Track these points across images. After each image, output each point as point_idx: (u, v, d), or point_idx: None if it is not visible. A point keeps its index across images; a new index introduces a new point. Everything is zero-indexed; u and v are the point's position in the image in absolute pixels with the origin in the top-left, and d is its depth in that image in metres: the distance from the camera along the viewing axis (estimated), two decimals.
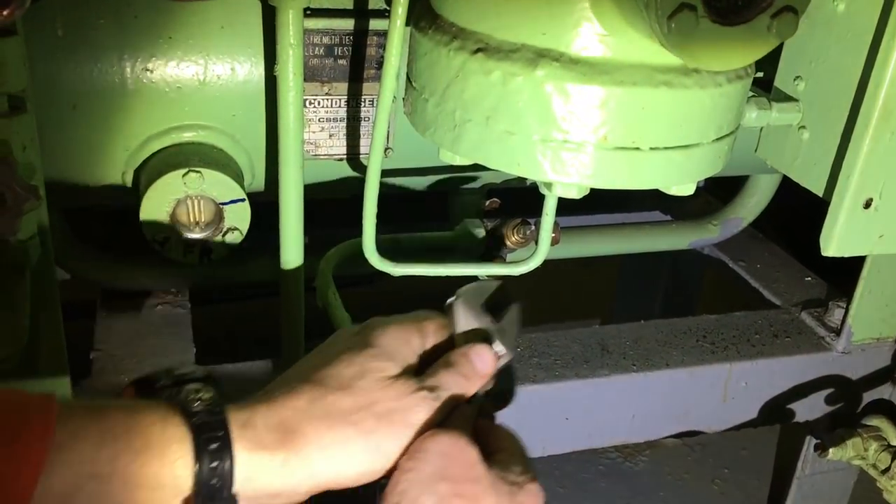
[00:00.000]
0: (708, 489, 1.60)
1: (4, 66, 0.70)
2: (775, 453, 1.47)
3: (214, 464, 0.52)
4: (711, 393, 1.10)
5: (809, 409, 1.16)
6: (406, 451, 0.58)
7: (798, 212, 1.13)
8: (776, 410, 1.14)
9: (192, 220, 0.87)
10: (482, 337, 0.64)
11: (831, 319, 1.17)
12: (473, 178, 1.10)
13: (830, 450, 1.09)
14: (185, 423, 0.53)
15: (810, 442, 1.20)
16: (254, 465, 0.54)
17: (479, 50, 0.63)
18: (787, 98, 0.88)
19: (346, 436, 0.56)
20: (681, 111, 0.62)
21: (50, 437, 0.49)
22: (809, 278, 1.30)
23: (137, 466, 0.51)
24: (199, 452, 0.52)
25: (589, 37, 0.60)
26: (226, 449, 0.53)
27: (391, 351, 0.61)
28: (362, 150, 0.94)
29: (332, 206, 1.13)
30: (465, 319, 0.67)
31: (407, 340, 0.63)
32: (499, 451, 0.62)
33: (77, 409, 0.52)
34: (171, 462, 0.52)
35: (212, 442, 0.52)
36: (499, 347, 0.64)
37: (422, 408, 0.59)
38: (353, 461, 0.57)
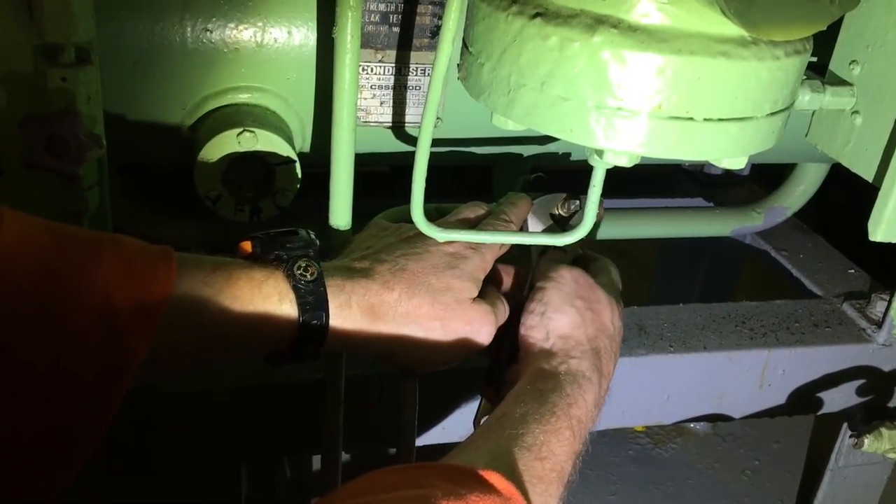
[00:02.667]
0: (738, 480, 1.60)
1: (74, 17, 0.72)
2: (807, 447, 1.46)
3: (314, 335, 0.68)
4: (748, 378, 1.10)
5: (846, 399, 1.15)
6: (538, 276, 0.79)
7: (843, 206, 1.13)
8: (812, 399, 1.14)
9: (243, 178, 0.88)
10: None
11: (873, 311, 1.16)
12: (519, 154, 1.11)
13: (866, 441, 1.08)
14: (295, 301, 0.67)
15: (845, 433, 1.20)
16: (342, 337, 0.70)
17: (537, 15, 0.63)
18: (842, 82, 0.87)
19: (420, 332, 0.73)
20: (737, 83, 0.62)
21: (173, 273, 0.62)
22: (853, 270, 1.28)
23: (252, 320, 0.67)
24: (303, 323, 0.68)
25: (648, 4, 0.60)
26: (322, 324, 0.68)
27: (473, 274, 0.76)
28: (411, 118, 0.95)
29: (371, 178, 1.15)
30: (535, 226, 0.85)
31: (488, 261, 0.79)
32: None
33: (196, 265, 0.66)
34: (280, 328, 0.68)
35: (314, 318, 0.68)
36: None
37: (487, 322, 0.76)
38: (427, 352, 0.74)
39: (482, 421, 0.78)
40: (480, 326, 0.75)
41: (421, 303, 0.72)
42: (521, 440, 0.63)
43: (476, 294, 0.76)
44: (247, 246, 0.72)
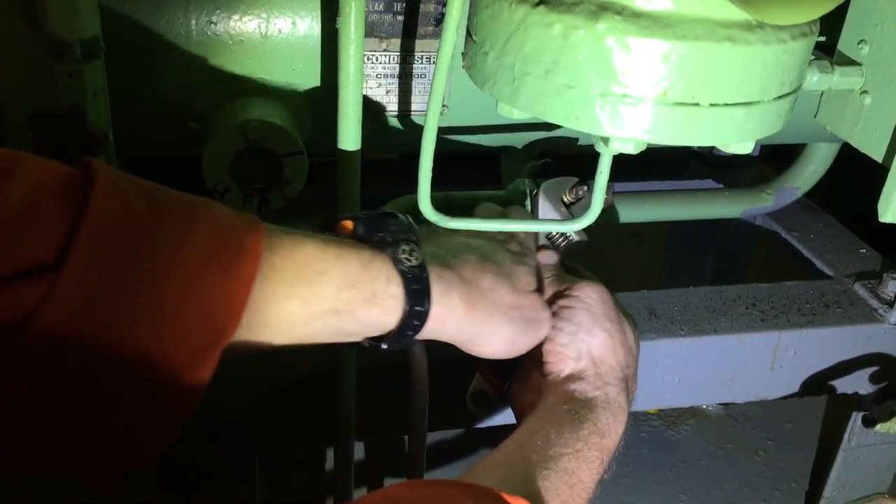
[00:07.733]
0: (751, 460, 1.60)
1: (79, 13, 0.72)
2: (820, 427, 1.46)
3: (416, 321, 0.67)
4: (759, 361, 1.10)
5: (858, 381, 1.14)
6: (567, 294, 0.78)
7: (854, 185, 1.12)
8: (824, 381, 1.14)
9: (251, 170, 0.89)
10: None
11: (885, 291, 1.15)
12: (526, 139, 1.11)
13: (878, 422, 1.08)
14: (402, 285, 0.66)
15: (857, 414, 1.20)
16: (439, 324, 0.69)
17: (540, 3, 0.63)
18: (850, 62, 0.86)
19: (506, 322, 0.74)
20: (743, 67, 0.62)
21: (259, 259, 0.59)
22: (864, 250, 1.28)
23: (363, 306, 0.65)
24: (409, 309, 0.66)
25: None
26: (426, 310, 0.67)
27: (535, 272, 0.79)
28: (417, 106, 0.95)
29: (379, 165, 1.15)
30: (545, 212, 0.85)
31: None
32: None
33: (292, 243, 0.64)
34: (387, 311, 0.66)
35: (418, 304, 0.67)
36: (573, 236, 0.84)
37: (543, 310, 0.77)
38: (502, 340, 0.75)
39: (471, 397, 0.84)
40: (545, 317, 0.77)
41: (504, 294, 0.74)
42: (555, 464, 0.65)
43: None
44: (348, 225, 0.70)
